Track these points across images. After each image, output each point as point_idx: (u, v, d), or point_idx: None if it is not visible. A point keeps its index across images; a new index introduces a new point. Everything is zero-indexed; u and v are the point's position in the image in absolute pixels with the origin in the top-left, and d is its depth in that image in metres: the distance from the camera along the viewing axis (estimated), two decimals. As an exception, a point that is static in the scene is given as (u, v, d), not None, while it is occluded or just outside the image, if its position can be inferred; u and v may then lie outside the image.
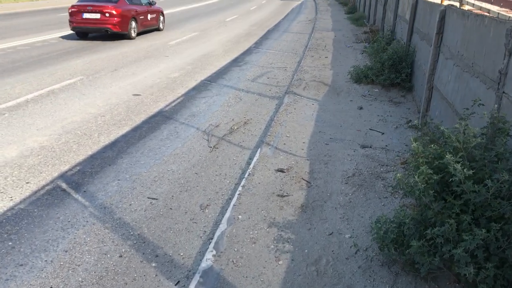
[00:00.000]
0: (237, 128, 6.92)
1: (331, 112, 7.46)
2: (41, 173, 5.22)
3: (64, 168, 5.38)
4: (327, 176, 4.98)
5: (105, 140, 6.28)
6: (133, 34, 15.54)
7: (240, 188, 4.71)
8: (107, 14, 14.60)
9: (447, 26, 5.95)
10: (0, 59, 11.46)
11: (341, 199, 4.48)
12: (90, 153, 5.85)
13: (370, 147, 5.80)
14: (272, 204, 4.42)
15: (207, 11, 27.54)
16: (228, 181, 5.10)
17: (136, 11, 15.69)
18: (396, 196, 4.35)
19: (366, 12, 20.44)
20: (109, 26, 14.67)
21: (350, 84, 9.13)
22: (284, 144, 6.02)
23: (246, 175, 5.02)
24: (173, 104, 8.21)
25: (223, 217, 4.27)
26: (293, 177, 4.97)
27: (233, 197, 4.61)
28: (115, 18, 14.69)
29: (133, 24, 15.48)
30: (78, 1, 15.37)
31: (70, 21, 14.86)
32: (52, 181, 5.04)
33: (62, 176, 5.17)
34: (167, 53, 13.17)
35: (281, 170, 5.09)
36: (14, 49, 12.97)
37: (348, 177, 4.94)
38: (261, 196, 4.58)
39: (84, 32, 15.36)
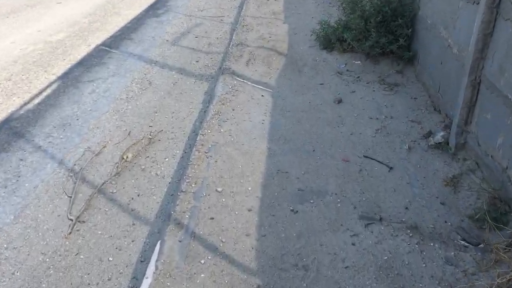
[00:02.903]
0: (133, 158, 3.91)
1: (294, 114, 4.50)
2: None
3: None
4: None
5: None
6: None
7: None
8: None
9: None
10: None
11: None
12: None
13: (380, 220, 2.97)
14: None
15: None
16: None
17: None
18: None
19: None
20: None
21: (317, 52, 6.02)
22: (212, 219, 3.05)
23: None
24: (36, 101, 4.99)
25: None
26: None
27: None
28: None
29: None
30: None
31: None
32: None
33: None
34: (60, -2, 9.45)
35: None
36: None
37: None
38: None
39: None
